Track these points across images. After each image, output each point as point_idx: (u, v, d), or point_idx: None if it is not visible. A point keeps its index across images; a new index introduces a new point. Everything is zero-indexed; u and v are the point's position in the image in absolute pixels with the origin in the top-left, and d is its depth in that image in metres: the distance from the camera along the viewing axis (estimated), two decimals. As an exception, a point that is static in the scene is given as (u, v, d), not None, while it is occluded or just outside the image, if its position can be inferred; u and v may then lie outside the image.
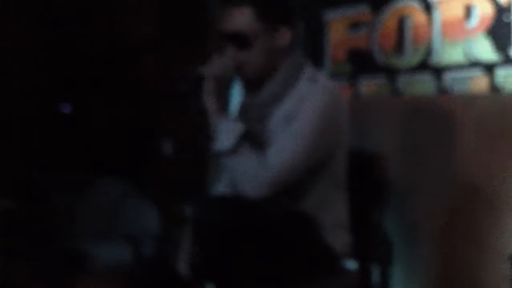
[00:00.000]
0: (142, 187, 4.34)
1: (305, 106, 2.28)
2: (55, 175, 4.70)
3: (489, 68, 2.99)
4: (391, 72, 3.39)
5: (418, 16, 3.27)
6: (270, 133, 2.32)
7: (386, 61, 3.42)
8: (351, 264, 2.59)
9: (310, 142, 2.26)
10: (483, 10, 3.01)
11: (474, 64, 3.04)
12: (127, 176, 4.43)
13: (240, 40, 2.34)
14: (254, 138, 2.30)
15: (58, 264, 3.91)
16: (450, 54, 3.13)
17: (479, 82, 3.03)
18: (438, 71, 3.19)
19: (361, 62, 3.54)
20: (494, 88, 2.97)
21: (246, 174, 2.24)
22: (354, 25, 3.57)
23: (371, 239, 2.76)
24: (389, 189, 2.85)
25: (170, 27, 4.57)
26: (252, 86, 2.42)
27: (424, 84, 3.25)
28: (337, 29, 3.65)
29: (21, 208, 4.41)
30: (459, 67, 3.10)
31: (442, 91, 3.17)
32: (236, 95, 2.53)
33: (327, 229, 2.36)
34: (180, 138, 4.37)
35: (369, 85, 3.51)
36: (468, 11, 3.08)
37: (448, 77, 3.15)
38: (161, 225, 4.13)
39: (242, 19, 2.33)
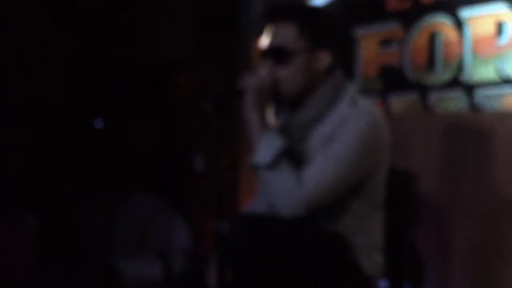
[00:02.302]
0: (174, 203, 4.36)
1: (345, 128, 2.25)
2: (89, 190, 4.74)
3: (521, 86, 2.99)
4: (422, 89, 3.39)
5: (449, 32, 3.27)
6: (310, 153, 2.30)
7: (417, 78, 3.41)
8: (383, 283, 2.58)
9: (349, 165, 2.24)
10: (515, 27, 3.00)
11: (506, 81, 3.03)
12: (159, 192, 4.46)
13: (280, 55, 2.33)
14: (294, 156, 2.29)
15: (92, 279, 3.94)
16: (482, 71, 3.12)
17: (511, 99, 3.01)
18: (469, 88, 3.18)
19: (392, 78, 3.54)
20: (527, 105, 2.96)
21: (282, 192, 2.22)
22: (385, 42, 3.57)
23: (403, 258, 2.74)
24: (421, 206, 2.83)
25: (205, 47, 4.61)
26: (291, 106, 2.41)
27: (455, 101, 3.23)
28: (368, 45, 3.65)
29: (56, 223, 4.46)
30: (490, 84, 3.09)
31: (474, 108, 3.16)
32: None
33: (360, 250, 2.33)
34: (209, 155, 4.40)
35: (400, 102, 3.50)
36: (499, 28, 3.07)
37: (479, 94, 3.14)
38: (192, 241, 4.14)
39: (285, 34, 2.32)
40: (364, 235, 2.34)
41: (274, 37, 2.34)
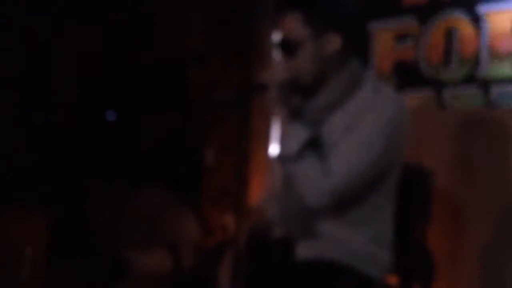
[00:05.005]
0: (184, 196, 4.35)
1: (370, 115, 2.23)
2: (99, 183, 4.75)
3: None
4: (437, 85, 3.35)
5: (466, 28, 3.23)
6: (328, 139, 2.28)
7: (433, 74, 3.38)
8: (393, 281, 2.55)
9: (376, 152, 2.22)
10: (532, 23, 2.96)
11: (523, 78, 2.99)
12: (169, 185, 4.45)
13: (288, 47, 2.33)
14: (317, 145, 2.27)
15: (101, 272, 3.95)
16: (498, 67, 3.08)
17: (527, 97, 2.98)
18: (485, 85, 3.13)
19: (408, 74, 3.50)
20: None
21: (309, 182, 2.22)
22: (401, 37, 3.54)
23: (414, 256, 2.71)
24: (434, 204, 2.79)
25: (218, 40, 4.60)
26: (307, 91, 2.39)
27: (471, 98, 3.20)
28: (384, 40, 3.61)
29: (67, 216, 4.47)
30: (507, 80, 3.05)
31: (490, 104, 3.12)
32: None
33: (369, 243, 2.32)
34: (221, 148, 4.39)
35: (415, 98, 3.46)
36: (516, 24, 3.03)
37: (495, 90, 3.09)
38: (202, 235, 4.13)
39: (290, 25, 2.32)
40: (375, 226, 2.32)
41: (281, 30, 2.34)
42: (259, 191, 3.70)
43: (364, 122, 2.23)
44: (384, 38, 3.61)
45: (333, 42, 2.32)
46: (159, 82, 4.95)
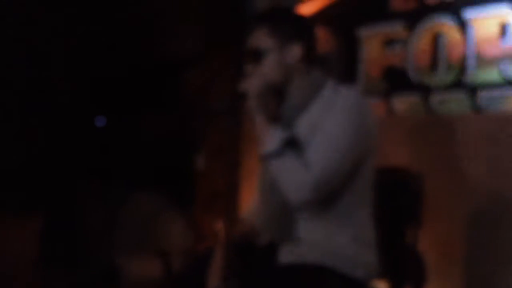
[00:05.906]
0: (176, 201, 4.36)
1: (333, 111, 2.36)
2: (91, 188, 4.74)
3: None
4: (425, 90, 3.38)
5: (453, 33, 3.26)
6: (301, 139, 2.39)
7: (421, 79, 3.40)
8: (382, 285, 2.57)
9: (347, 143, 2.32)
10: (519, 28, 2.99)
11: (510, 83, 3.01)
12: (160, 190, 4.46)
13: (255, 56, 2.49)
14: (296, 144, 2.37)
15: (92, 277, 3.95)
16: (485, 72, 3.11)
17: (514, 102, 3.01)
18: (472, 90, 3.16)
19: (396, 80, 3.53)
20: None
21: (291, 177, 2.31)
22: (389, 42, 3.57)
23: (404, 260, 2.73)
24: (423, 207, 2.83)
25: (212, 44, 4.62)
26: (279, 98, 2.51)
27: (458, 103, 3.22)
28: (372, 45, 3.64)
29: (58, 221, 4.46)
30: (494, 86, 3.08)
31: (477, 109, 3.15)
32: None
33: (349, 246, 2.37)
34: (212, 153, 4.41)
35: (403, 102, 3.49)
36: (503, 30, 3.05)
37: (482, 95, 3.13)
38: (193, 240, 4.14)
39: (257, 36, 2.50)
40: (354, 227, 2.39)
41: (250, 41, 2.53)
42: (250, 196, 3.72)
43: (328, 119, 2.36)
44: (372, 43, 3.64)
45: (294, 52, 2.49)
46: (152, 85, 4.95)
